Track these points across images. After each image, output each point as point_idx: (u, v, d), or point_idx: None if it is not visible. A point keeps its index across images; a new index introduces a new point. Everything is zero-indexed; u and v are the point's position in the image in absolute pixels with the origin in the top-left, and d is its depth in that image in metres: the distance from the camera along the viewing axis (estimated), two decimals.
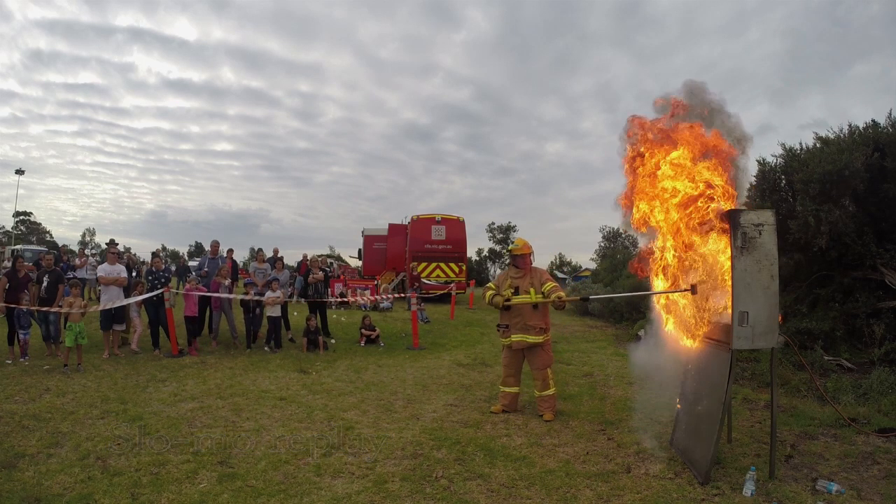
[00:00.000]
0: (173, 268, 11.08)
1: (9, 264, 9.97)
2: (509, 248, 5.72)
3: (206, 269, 9.58)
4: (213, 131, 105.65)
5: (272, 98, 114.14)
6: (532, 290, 5.28)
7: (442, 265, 18.35)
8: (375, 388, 6.43)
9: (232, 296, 9.41)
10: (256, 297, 9.28)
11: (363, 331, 9.96)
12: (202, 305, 9.32)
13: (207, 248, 11.37)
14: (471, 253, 24.67)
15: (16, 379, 6.37)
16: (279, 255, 11.93)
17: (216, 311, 9.20)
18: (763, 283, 3.52)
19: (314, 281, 9.98)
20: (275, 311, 9.14)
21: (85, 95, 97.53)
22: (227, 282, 9.17)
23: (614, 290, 14.75)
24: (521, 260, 5.48)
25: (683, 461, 3.97)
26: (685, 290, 4.47)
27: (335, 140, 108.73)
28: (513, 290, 5.39)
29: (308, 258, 13.29)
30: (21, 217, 50.24)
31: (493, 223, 54.45)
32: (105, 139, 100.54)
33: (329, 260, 24.80)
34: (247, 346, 8.98)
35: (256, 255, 10.93)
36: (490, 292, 5.58)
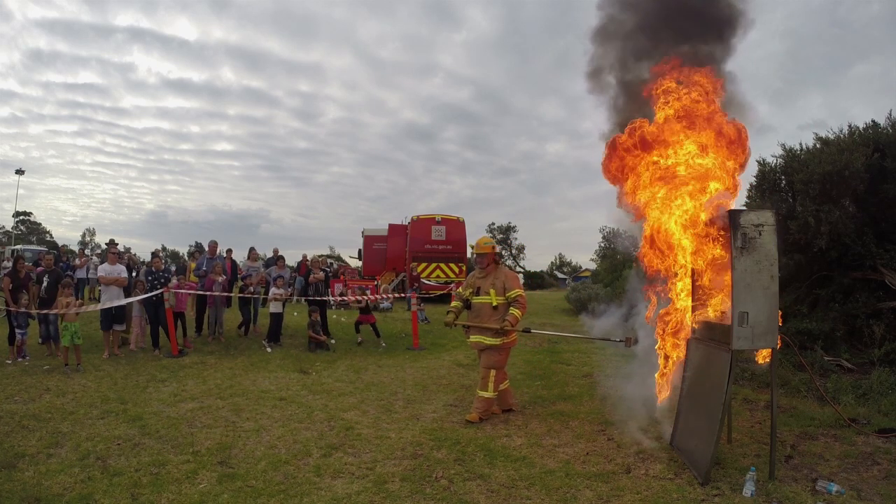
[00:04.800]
0: (173, 268, 11.09)
1: (9, 264, 9.99)
2: (471, 245, 5.71)
3: (204, 269, 9.61)
4: (213, 131, 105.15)
5: (272, 98, 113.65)
6: (493, 290, 5.20)
7: (442, 265, 18.34)
8: (375, 388, 6.44)
9: (229, 294, 9.52)
10: (256, 295, 9.41)
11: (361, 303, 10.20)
12: (201, 304, 9.44)
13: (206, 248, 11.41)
14: (470, 253, 24.57)
15: (16, 379, 6.37)
16: (279, 255, 11.98)
17: (211, 308, 9.41)
18: (763, 283, 3.52)
19: (314, 281, 10.00)
20: (277, 308, 9.26)
21: (85, 95, 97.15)
22: (222, 279, 9.25)
23: (614, 291, 14.76)
24: (480, 259, 5.42)
25: (683, 461, 3.97)
26: (620, 340, 4.82)
27: (335, 140, 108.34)
28: (472, 291, 5.38)
29: (308, 258, 13.34)
30: (21, 217, 50.22)
31: (493, 223, 54.49)
32: (105, 139, 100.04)
33: (329, 260, 24.80)
34: (244, 333, 9.74)
35: (249, 254, 11.05)
36: (453, 304, 5.59)
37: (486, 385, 5.16)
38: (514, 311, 5.13)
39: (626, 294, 5.83)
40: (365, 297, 10.42)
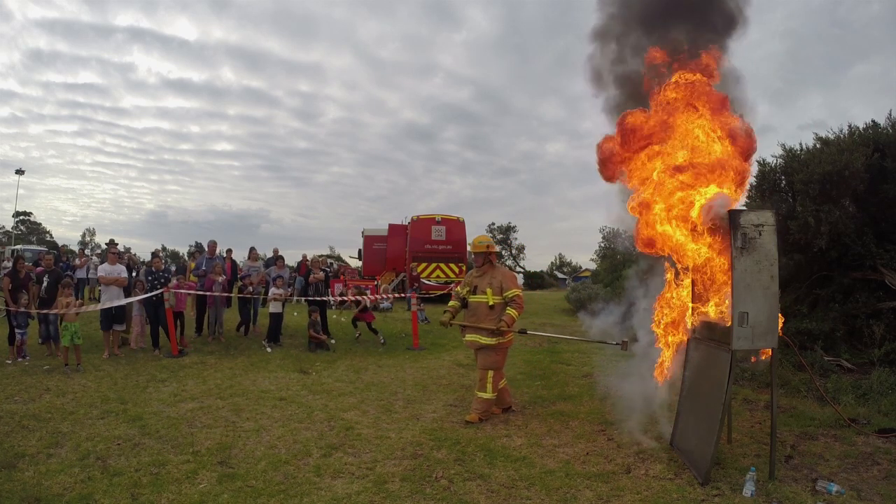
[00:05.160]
0: (173, 268, 11.10)
1: (9, 264, 9.99)
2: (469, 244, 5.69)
3: (204, 269, 9.62)
4: (213, 131, 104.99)
5: (272, 98, 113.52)
6: (489, 290, 5.17)
7: (442, 265, 18.35)
8: (375, 388, 6.44)
9: (229, 294, 9.55)
10: (256, 295, 9.44)
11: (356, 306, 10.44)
12: (200, 304, 9.45)
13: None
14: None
15: (16, 379, 6.37)
16: (279, 255, 12.00)
17: (210, 308, 9.43)
18: (763, 283, 3.52)
19: (315, 281, 10.01)
20: (277, 308, 9.28)
21: (85, 95, 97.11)
22: (221, 279, 9.26)
23: (614, 291, 14.76)
24: (476, 258, 5.41)
25: (683, 461, 3.97)
26: (616, 343, 4.98)
27: (335, 140, 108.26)
28: (469, 289, 5.36)
29: (308, 259, 13.35)
30: (21, 217, 50.19)
31: (493, 223, 54.38)
32: (105, 139, 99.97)
33: (329, 260, 24.80)
34: (244, 334, 9.92)
35: (250, 253, 11.07)
36: (451, 303, 5.57)
37: (484, 386, 5.15)
38: (511, 312, 5.11)
39: (625, 293, 5.79)
40: (363, 298, 10.49)
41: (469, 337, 5.30)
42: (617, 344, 5.06)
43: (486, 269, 5.34)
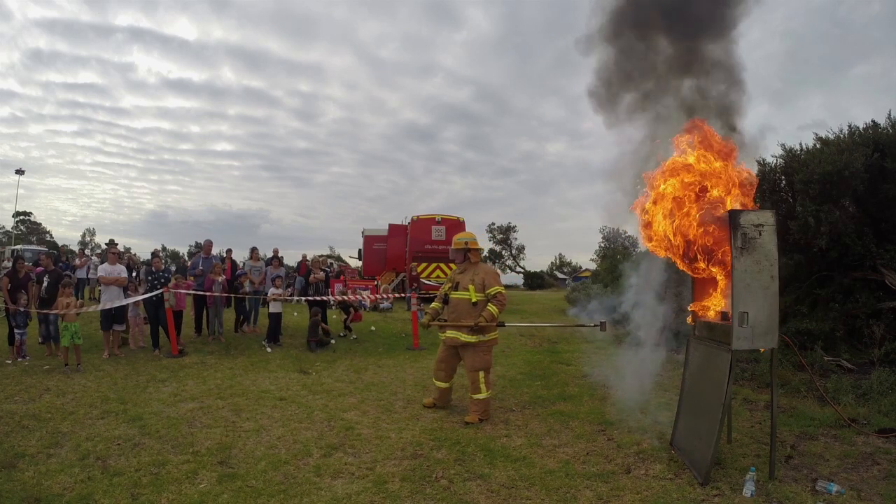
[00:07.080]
0: (173, 268, 11.10)
1: (9, 264, 10.00)
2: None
3: (201, 268, 9.61)
4: (213, 131, 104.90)
5: (272, 98, 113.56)
6: (472, 286, 5.16)
7: (442, 265, 18.34)
8: (375, 388, 6.44)
9: (228, 294, 9.56)
10: (256, 296, 9.45)
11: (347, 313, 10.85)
12: (199, 304, 9.45)
13: None
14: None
15: (16, 379, 6.37)
16: (279, 255, 12.02)
17: (210, 308, 9.45)
18: (763, 283, 3.52)
19: (315, 281, 10.02)
20: (276, 308, 9.29)
21: (85, 95, 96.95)
22: (221, 279, 9.27)
23: (614, 291, 14.76)
24: (455, 255, 5.39)
25: (683, 461, 3.97)
26: (595, 325, 4.99)
27: (335, 140, 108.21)
28: (451, 286, 5.34)
29: (308, 259, 13.36)
30: (21, 217, 50.15)
31: (493, 223, 54.20)
32: (105, 139, 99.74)
33: (329, 260, 24.80)
34: (234, 331, 10.09)
35: (251, 253, 11.10)
36: (433, 304, 5.54)
37: (477, 388, 5.14)
38: (492, 309, 5.10)
39: (622, 288, 5.82)
40: (349, 298, 10.82)
41: (450, 333, 5.26)
42: (596, 325, 5.09)
43: (468, 266, 5.34)
